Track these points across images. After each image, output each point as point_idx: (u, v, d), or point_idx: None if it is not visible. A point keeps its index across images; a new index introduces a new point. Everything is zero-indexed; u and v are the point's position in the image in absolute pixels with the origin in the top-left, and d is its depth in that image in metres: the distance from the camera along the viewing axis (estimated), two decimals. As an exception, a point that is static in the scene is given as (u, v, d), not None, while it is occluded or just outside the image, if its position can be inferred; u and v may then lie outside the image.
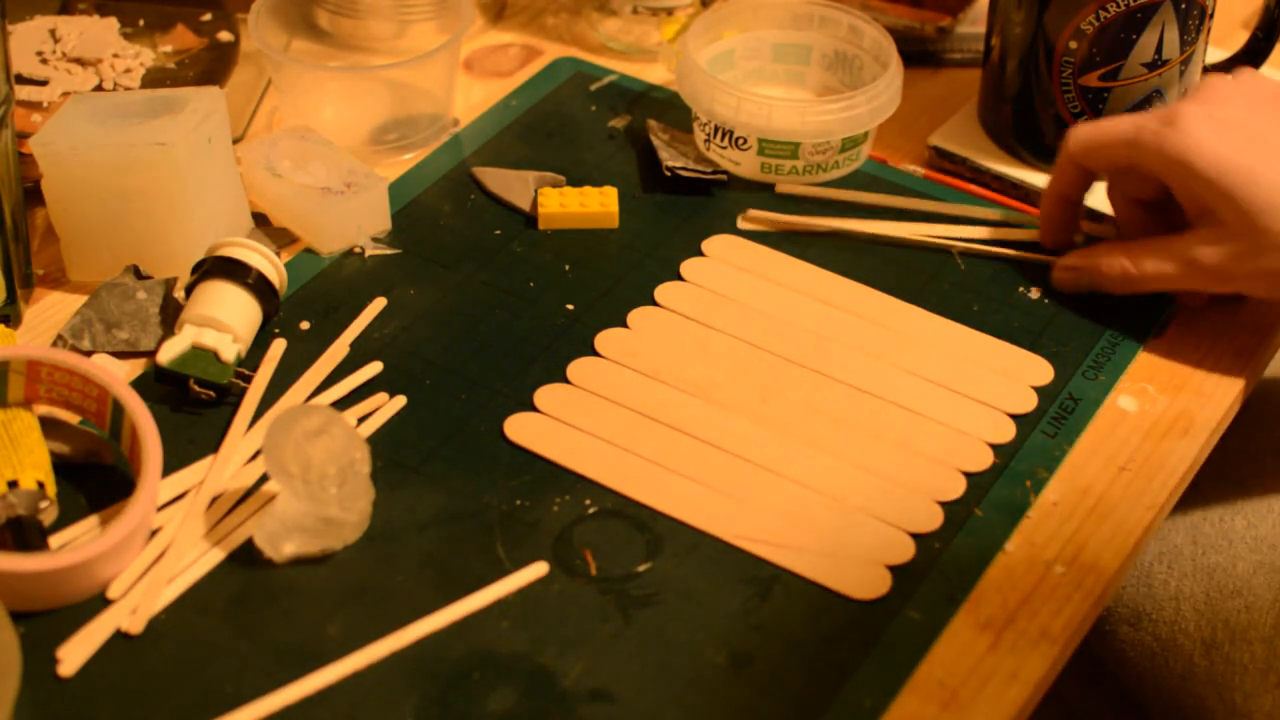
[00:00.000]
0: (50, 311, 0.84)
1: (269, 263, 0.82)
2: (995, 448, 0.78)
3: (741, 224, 0.90)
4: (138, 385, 0.80)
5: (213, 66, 0.98)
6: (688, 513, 0.74)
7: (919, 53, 1.03)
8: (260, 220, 0.89)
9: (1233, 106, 0.80)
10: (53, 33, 0.97)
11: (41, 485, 0.72)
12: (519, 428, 0.78)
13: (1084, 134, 0.83)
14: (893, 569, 0.72)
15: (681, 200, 0.92)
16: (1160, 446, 0.79)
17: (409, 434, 0.78)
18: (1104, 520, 0.75)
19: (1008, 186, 0.93)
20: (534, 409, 0.79)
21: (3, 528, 0.71)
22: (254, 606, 0.70)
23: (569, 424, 0.78)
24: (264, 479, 0.75)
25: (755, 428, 0.78)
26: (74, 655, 0.68)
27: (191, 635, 0.69)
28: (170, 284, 0.83)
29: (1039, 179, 0.92)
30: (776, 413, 0.79)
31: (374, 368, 0.81)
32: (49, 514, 0.72)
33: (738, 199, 0.92)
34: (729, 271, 0.87)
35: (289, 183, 0.88)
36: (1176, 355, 0.83)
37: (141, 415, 0.73)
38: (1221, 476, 0.90)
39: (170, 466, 0.75)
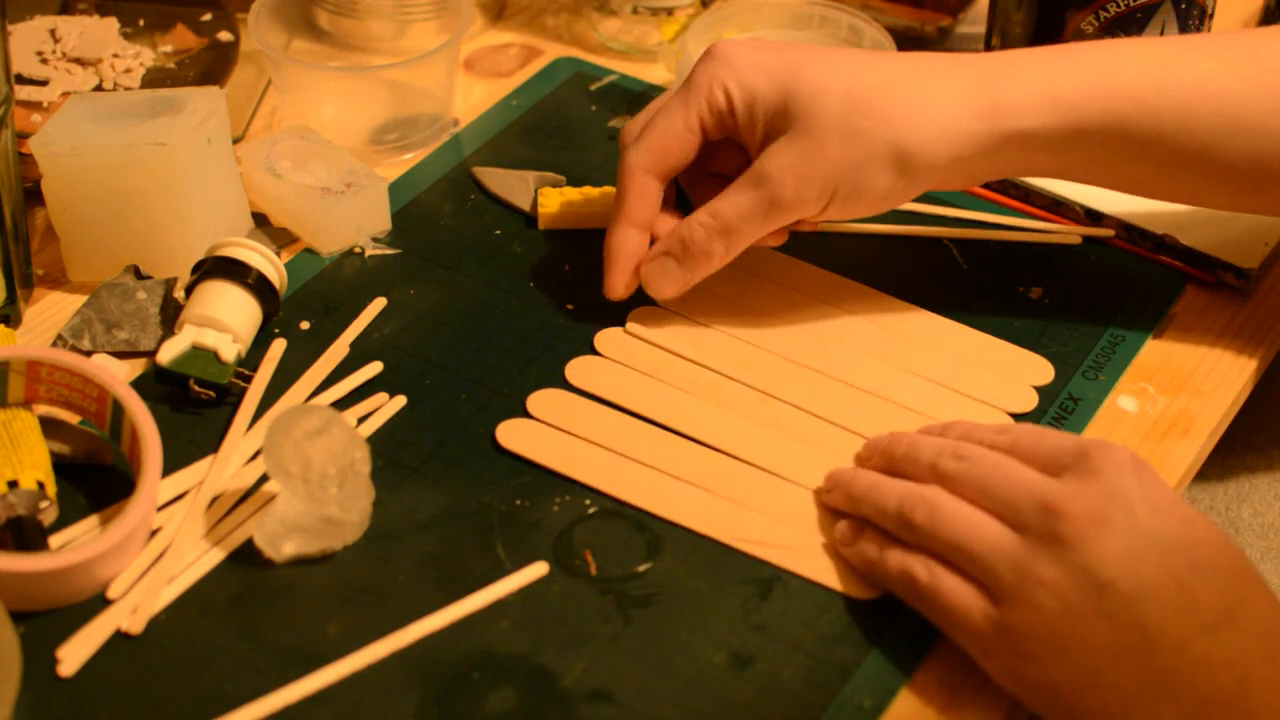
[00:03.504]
0: (50, 311, 0.85)
1: (269, 263, 0.82)
2: (995, 448, 0.78)
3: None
4: (138, 385, 0.80)
5: (213, 66, 0.98)
6: (687, 516, 0.74)
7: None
8: (260, 220, 0.89)
9: (759, 40, 0.80)
10: (53, 33, 0.97)
11: (41, 485, 0.72)
12: (511, 434, 0.78)
13: (646, 145, 0.80)
14: (893, 569, 0.72)
15: (681, 200, 0.92)
16: (1160, 446, 0.79)
17: (409, 434, 0.78)
18: (1104, 520, 0.75)
19: (1008, 186, 0.93)
20: (527, 415, 0.79)
21: (3, 528, 0.71)
22: (254, 606, 0.70)
23: (563, 429, 0.78)
24: (264, 479, 0.75)
25: (755, 427, 0.78)
26: (74, 655, 0.68)
27: (191, 635, 0.69)
28: (170, 284, 0.83)
29: (1039, 179, 0.92)
30: (776, 413, 0.79)
31: (374, 368, 0.81)
32: (49, 514, 0.72)
33: (738, 199, 0.92)
34: (729, 271, 0.87)
35: (289, 183, 0.88)
36: (1176, 355, 0.83)
37: (141, 415, 0.73)
38: (1227, 466, 0.90)
39: (170, 466, 0.75)
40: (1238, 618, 0.62)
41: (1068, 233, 0.90)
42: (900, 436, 0.74)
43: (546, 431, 0.78)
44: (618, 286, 0.81)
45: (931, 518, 0.68)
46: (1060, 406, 0.80)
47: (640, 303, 0.85)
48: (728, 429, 0.78)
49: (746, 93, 0.78)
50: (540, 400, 0.79)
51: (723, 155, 0.83)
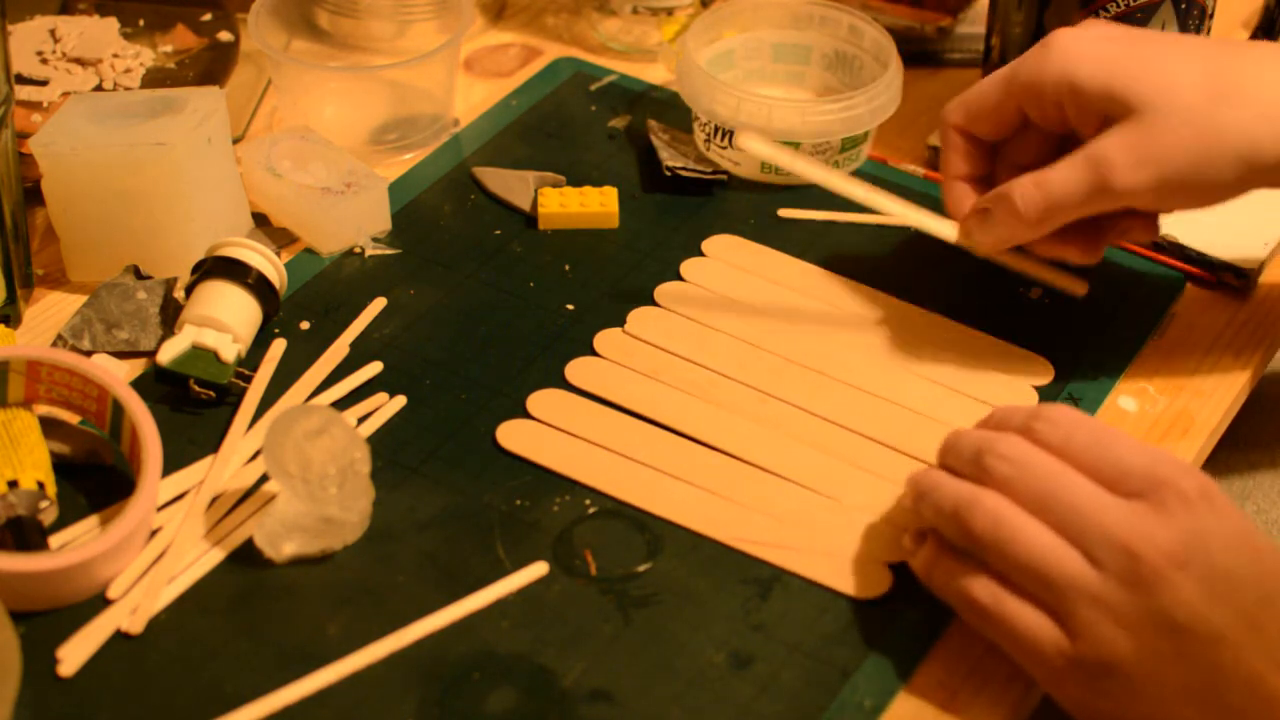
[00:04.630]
0: (50, 311, 0.85)
1: (269, 263, 0.82)
2: (995, 448, 0.78)
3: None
4: (138, 385, 0.80)
5: (213, 66, 0.98)
6: (686, 516, 0.74)
7: (919, 53, 1.03)
8: (260, 220, 0.89)
9: (1104, 25, 0.77)
10: (53, 33, 0.97)
11: (41, 485, 0.72)
12: (511, 434, 0.78)
13: (962, 100, 0.80)
14: (893, 568, 0.72)
15: (681, 200, 0.92)
16: (1160, 446, 0.79)
17: (409, 434, 0.78)
18: (1104, 520, 0.75)
19: (1008, 186, 0.93)
20: (527, 415, 0.79)
21: (3, 528, 0.71)
22: (254, 606, 0.70)
23: (563, 430, 0.78)
24: (264, 479, 0.75)
25: (755, 427, 0.78)
26: (74, 655, 0.68)
27: (191, 635, 0.69)
28: (170, 284, 0.83)
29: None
30: (776, 413, 0.79)
31: (374, 368, 0.81)
32: (49, 514, 0.72)
33: (738, 199, 0.92)
34: (729, 271, 0.87)
35: (289, 183, 0.88)
36: (1176, 355, 0.83)
37: (141, 415, 0.73)
38: (1232, 462, 0.90)
39: (170, 466, 0.75)
40: None
41: (1068, 233, 0.89)
42: (951, 433, 0.71)
43: (546, 432, 0.78)
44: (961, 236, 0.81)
45: (995, 530, 0.65)
46: (1080, 377, 0.80)
47: (640, 301, 0.85)
48: (727, 429, 0.78)
49: (1079, 88, 0.75)
50: (540, 400, 0.79)
51: (1031, 145, 0.81)
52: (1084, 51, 0.76)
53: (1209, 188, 0.75)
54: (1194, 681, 0.63)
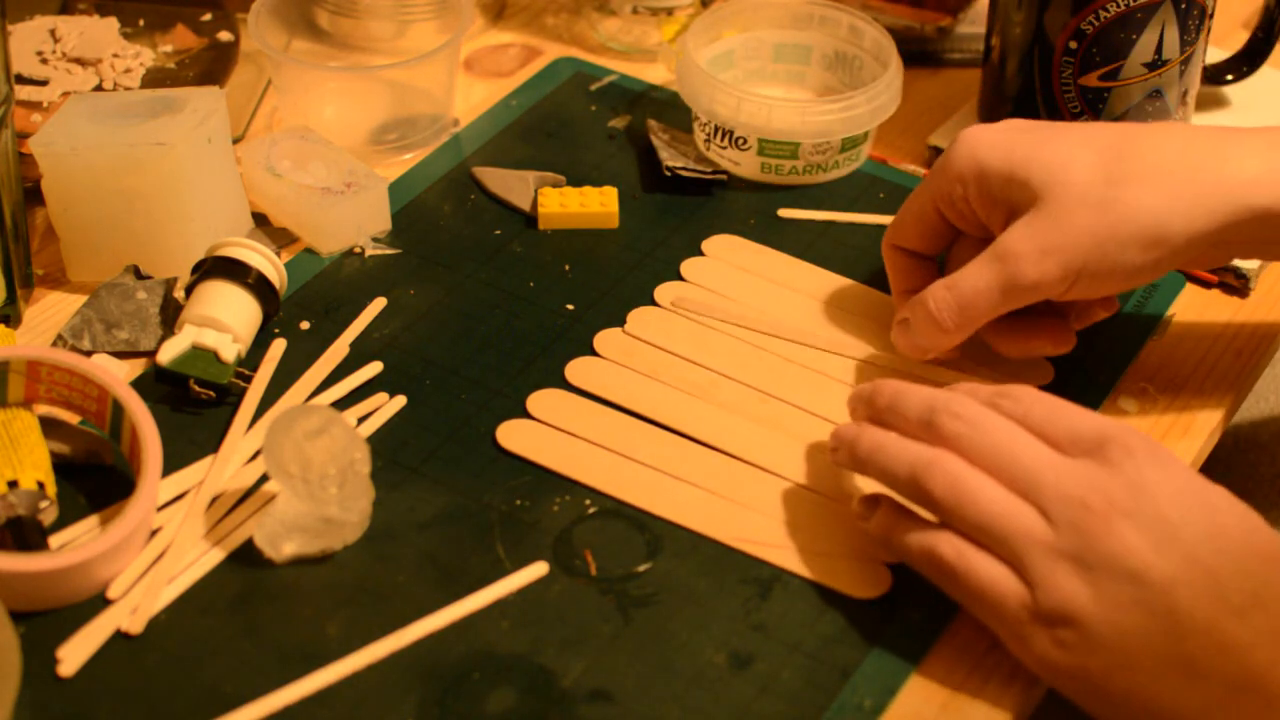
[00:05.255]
0: (50, 311, 0.85)
1: (269, 263, 0.82)
2: (995, 448, 0.78)
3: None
4: (138, 385, 0.80)
5: (213, 66, 0.98)
6: (686, 516, 0.74)
7: (919, 53, 1.03)
8: (260, 220, 0.89)
9: (1017, 120, 0.77)
10: (53, 33, 0.97)
11: (41, 485, 0.72)
12: (511, 434, 0.78)
13: (894, 220, 0.80)
14: (893, 568, 0.72)
15: (681, 200, 0.92)
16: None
17: (409, 434, 0.78)
18: (1104, 520, 0.75)
19: (1008, 186, 0.93)
20: (527, 415, 0.79)
21: (3, 528, 0.71)
22: (254, 606, 0.70)
23: (563, 430, 0.78)
24: (264, 479, 0.75)
25: (755, 428, 0.78)
26: (74, 655, 0.68)
27: (191, 635, 0.69)
28: (170, 284, 0.83)
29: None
30: (776, 413, 0.79)
31: (374, 368, 0.81)
32: (49, 514, 0.72)
33: (738, 199, 0.92)
34: (729, 271, 0.87)
35: (289, 183, 0.88)
36: (1176, 355, 0.83)
37: (141, 415, 0.73)
38: (1232, 462, 0.90)
39: (170, 466, 0.75)
40: (1266, 601, 0.63)
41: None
42: (882, 385, 0.71)
43: (547, 432, 0.78)
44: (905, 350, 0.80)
45: (953, 491, 0.66)
46: (1074, 389, 0.80)
47: (639, 301, 0.85)
48: (728, 429, 0.78)
49: (984, 173, 0.76)
50: (540, 400, 0.79)
51: (969, 255, 0.79)
52: (990, 139, 0.76)
53: (1119, 272, 0.74)
54: (1152, 628, 0.63)
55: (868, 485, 0.75)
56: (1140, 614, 0.63)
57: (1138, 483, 0.65)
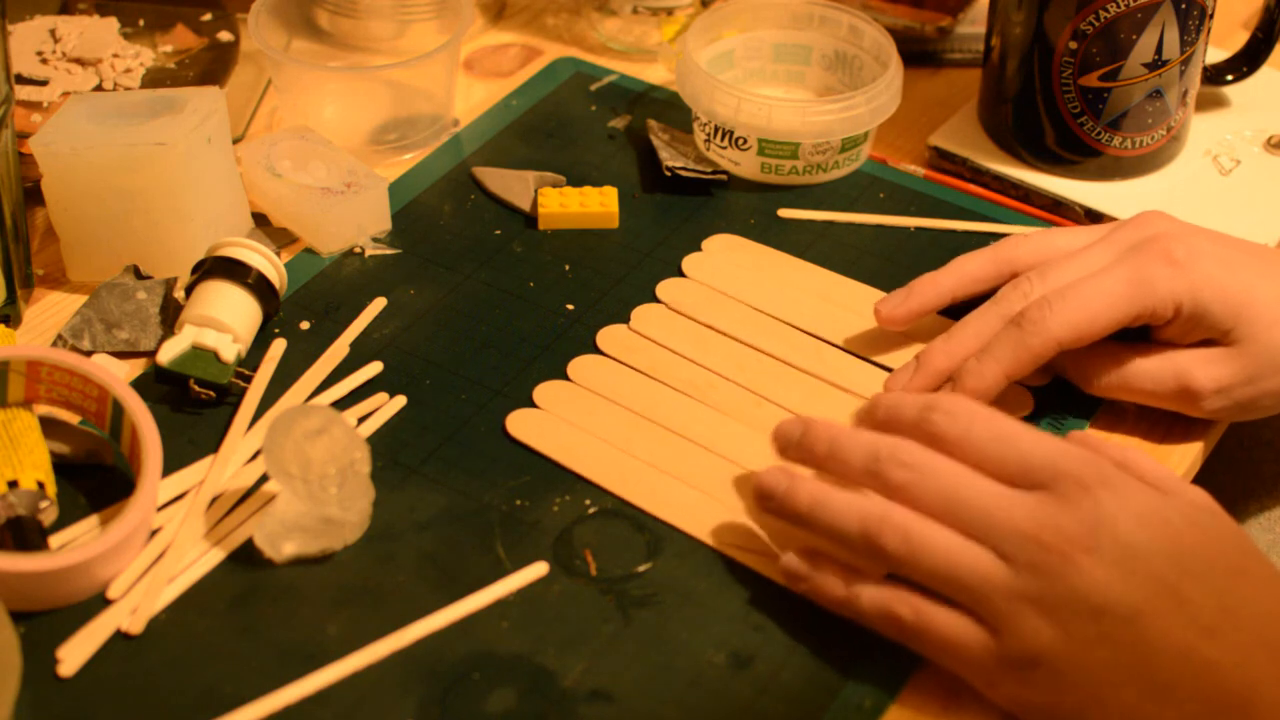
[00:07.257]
0: (50, 311, 0.85)
1: (269, 263, 0.82)
2: (995, 448, 0.78)
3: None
4: (138, 385, 0.80)
5: (213, 66, 0.98)
6: (685, 520, 0.74)
7: (919, 53, 1.03)
8: (260, 220, 0.89)
9: (1199, 238, 0.76)
10: (53, 33, 0.97)
11: (41, 485, 0.72)
12: (520, 423, 0.78)
13: (1066, 315, 0.75)
14: (893, 569, 0.72)
15: (681, 200, 0.92)
16: (1160, 447, 0.79)
17: (409, 434, 0.78)
18: (1104, 520, 0.75)
19: (1008, 187, 0.93)
20: (534, 405, 0.79)
21: (3, 528, 0.71)
22: (254, 606, 0.70)
23: (569, 421, 0.78)
24: (264, 479, 0.75)
25: (754, 430, 0.78)
26: (74, 655, 0.68)
27: (191, 635, 0.69)
28: (170, 284, 0.83)
29: (1039, 179, 0.92)
30: (775, 414, 0.79)
31: (374, 368, 0.81)
32: (49, 514, 0.72)
33: (738, 199, 0.92)
34: (729, 271, 0.87)
35: (289, 183, 0.88)
36: (1176, 355, 0.83)
37: (141, 415, 0.73)
38: (1233, 462, 0.90)
39: (170, 466, 0.75)
40: (1237, 615, 0.63)
41: (1068, 233, 0.89)
42: (814, 427, 0.69)
43: (554, 422, 0.78)
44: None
45: (908, 545, 0.65)
46: (1060, 407, 0.80)
47: (639, 301, 0.85)
48: (726, 430, 0.78)
49: (1198, 309, 0.75)
50: (547, 391, 0.79)
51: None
52: (1207, 275, 0.75)
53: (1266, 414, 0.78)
54: (1122, 661, 0.62)
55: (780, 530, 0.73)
56: (1108, 648, 0.63)
57: (1094, 516, 0.63)
